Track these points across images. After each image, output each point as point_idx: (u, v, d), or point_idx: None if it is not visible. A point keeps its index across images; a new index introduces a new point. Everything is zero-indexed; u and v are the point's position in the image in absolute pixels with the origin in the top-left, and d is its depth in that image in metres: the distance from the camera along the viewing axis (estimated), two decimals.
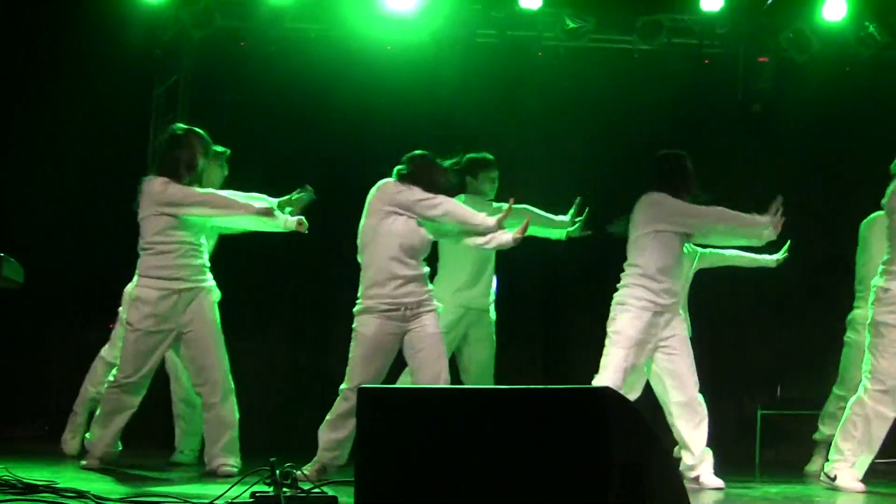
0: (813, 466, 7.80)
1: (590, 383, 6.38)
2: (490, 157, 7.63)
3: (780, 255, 7.68)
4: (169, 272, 6.43)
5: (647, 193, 6.78)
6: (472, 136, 9.26)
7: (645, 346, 6.54)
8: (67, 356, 8.83)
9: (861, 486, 6.34)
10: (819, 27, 9.07)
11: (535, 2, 8.92)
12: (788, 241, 7.57)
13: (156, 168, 6.59)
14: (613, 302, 6.72)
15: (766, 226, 6.63)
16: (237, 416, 6.58)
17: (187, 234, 6.46)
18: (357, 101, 9.13)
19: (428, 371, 6.22)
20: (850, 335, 7.71)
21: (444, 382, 6.16)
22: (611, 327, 6.65)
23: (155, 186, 6.41)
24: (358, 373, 6.19)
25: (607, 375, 6.47)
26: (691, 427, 6.48)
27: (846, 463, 6.41)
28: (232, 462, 6.46)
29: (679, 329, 6.61)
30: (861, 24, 9.00)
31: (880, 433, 6.41)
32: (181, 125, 6.77)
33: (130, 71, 9.07)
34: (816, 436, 7.87)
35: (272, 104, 9.41)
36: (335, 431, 6.27)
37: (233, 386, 6.58)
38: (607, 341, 6.63)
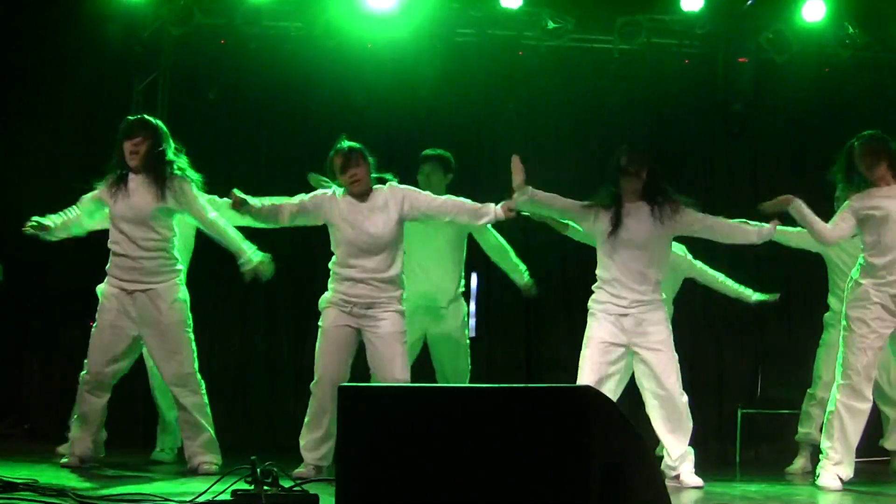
0: (794, 466, 7.85)
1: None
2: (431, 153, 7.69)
3: (763, 297, 7.80)
4: (120, 272, 6.47)
5: None
6: (453, 134, 9.28)
7: (616, 348, 6.57)
8: (47, 354, 8.81)
9: (838, 485, 6.38)
10: (799, 28, 9.10)
11: (515, 1, 8.92)
12: (777, 295, 7.85)
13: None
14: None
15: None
16: (208, 412, 6.58)
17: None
18: (337, 99, 9.12)
19: (383, 372, 6.36)
20: (825, 336, 7.80)
21: (402, 381, 6.24)
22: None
23: None
24: (318, 366, 6.37)
25: (581, 377, 6.52)
26: (669, 427, 6.49)
27: (829, 461, 6.46)
28: (210, 459, 6.46)
29: (657, 328, 6.59)
30: (840, 25, 9.04)
31: (855, 427, 6.45)
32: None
33: (110, 68, 9.06)
34: (797, 436, 7.93)
35: (252, 102, 9.42)
36: (312, 431, 6.32)
37: (201, 382, 6.57)
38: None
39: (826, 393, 7.01)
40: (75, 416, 6.56)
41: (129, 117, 6.70)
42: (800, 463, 7.85)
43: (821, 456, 6.57)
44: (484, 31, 9.15)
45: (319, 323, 6.51)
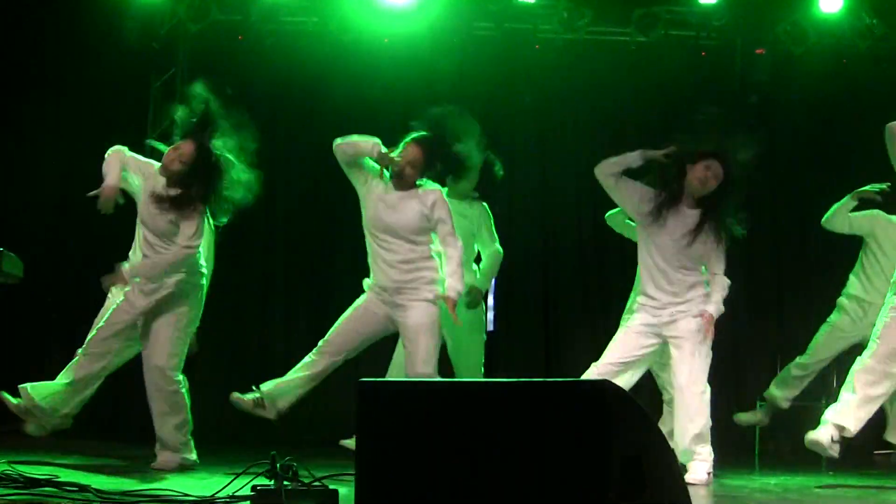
0: (747, 416, 8.26)
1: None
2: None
3: None
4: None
5: None
6: None
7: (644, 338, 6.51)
8: (66, 350, 8.83)
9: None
10: (816, 19, 9.10)
11: None
12: None
13: None
14: None
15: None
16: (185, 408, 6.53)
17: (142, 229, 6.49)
18: (354, 94, 9.15)
19: (407, 367, 6.41)
20: (835, 317, 7.83)
21: (423, 376, 6.24)
22: None
23: None
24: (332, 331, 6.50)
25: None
26: (681, 420, 6.38)
27: None
28: (186, 456, 6.50)
29: (683, 324, 6.52)
30: (858, 16, 9.04)
31: None
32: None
33: (128, 65, 9.10)
34: (766, 393, 8.21)
35: (269, 97, 9.44)
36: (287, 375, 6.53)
37: (178, 378, 6.48)
38: None
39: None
40: None
41: None
42: (757, 416, 7.98)
43: None
44: (501, 25, 9.18)
45: None
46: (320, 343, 6.51)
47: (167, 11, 9.00)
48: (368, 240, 6.50)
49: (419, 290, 6.39)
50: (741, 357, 9.46)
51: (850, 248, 7.92)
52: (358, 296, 6.55)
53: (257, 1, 8.87)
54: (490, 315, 8.37)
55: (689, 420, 6.30)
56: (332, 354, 6.49)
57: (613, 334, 6.63)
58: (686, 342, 6.38)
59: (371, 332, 6.56)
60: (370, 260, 6.50)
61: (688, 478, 6.16)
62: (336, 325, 6.53)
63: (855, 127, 9.41)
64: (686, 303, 6.41)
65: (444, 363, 7.76)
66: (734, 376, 9.34)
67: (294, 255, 9.56)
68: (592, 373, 6.38)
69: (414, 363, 6.34)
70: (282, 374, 6.55)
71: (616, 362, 6.41)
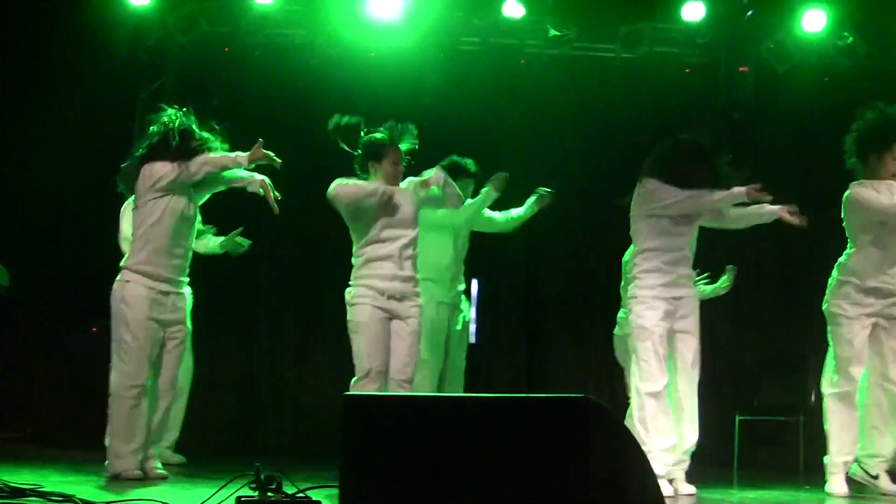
0: None
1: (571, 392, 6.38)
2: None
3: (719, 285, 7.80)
4: None
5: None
6: (456, 142, 9.32)
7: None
8: (52, 359, 8.85)
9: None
10: (799, 38, 9.17)
11: (518, 10, 9.00)
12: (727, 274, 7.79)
13: None
14: None
15: (740, 195, 6.50)
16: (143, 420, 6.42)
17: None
18: (341, 107, 9.11)
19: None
20: None
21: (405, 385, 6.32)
22: None
23: None
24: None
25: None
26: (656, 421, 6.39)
27: None
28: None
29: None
30: (840, 35, 9.09)
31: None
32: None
33: (116, 75, 9.10)
34: None
35: (256, 109, 9.45)
36: None
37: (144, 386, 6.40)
38: None
39: None
40: None
41: None
42: None
43: None
44: (487, 40, 9.22)
45: None
46: None
47: (156, 22, 9.01)
48: None
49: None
50: (721, 370, 9.52)
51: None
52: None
53: (246, 13, 8.89)
54: (472, 328, 8.41)
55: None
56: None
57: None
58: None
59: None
60: None
61: (680, 490, 6.26)
62: None
63: (837, 144, 9.48)
64: None
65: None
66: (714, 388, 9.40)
67: (281, 268, 9.58)
68: None
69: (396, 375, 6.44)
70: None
71: None
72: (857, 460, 6.50)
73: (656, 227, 6.52)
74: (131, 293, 6.29)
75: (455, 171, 7.55)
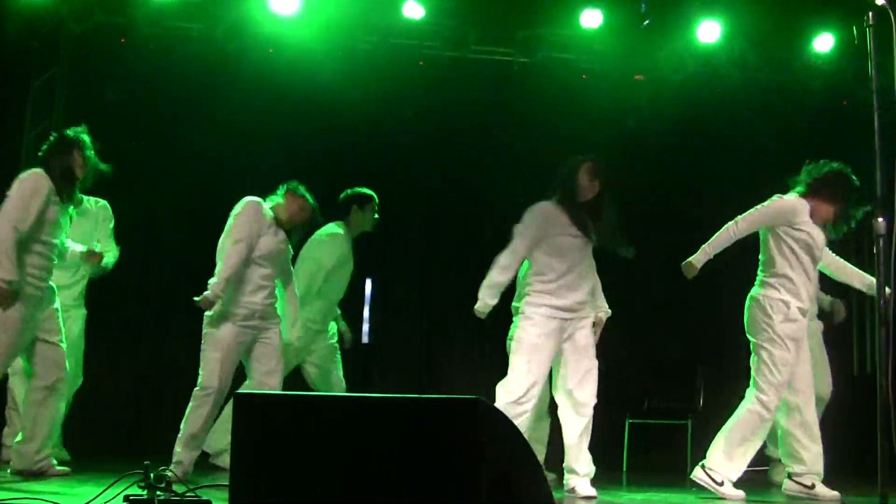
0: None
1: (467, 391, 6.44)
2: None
3: None
4: None
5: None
6: (350, 141, 9.32)
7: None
8: None
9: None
10: (695, 48, 9.33)
11: (417, 11, 9.02)
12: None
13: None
14: None
15: None
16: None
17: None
18: (239, 103, 9.08)
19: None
20: None
21: None
22: None
23: None
24: None
25: None
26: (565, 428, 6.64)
27: None
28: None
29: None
30: (733, 47, 9.27)
31: None
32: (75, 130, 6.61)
33: (8, 62, 8.90)
34: None
35: (150, 102, 9.31)
36: None
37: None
38: None
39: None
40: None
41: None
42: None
43: None
44: (386, 40, 9.20)
45: None
46: None
47: (49, 10, 8.84)
48: None
49: None
50: (612, 374, 9.63)
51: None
52: None
53: (143, 4, 8.77)
54: (365, 327, 8.42)
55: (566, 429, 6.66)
56: None
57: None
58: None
59: None
60: None
61: (582, 492, 6.37)
62: None
63: (731, 154, 9.68)
64: None
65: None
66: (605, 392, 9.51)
67: (185, 262, 9.41)
68: None
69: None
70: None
71: None
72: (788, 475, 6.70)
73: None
74: None
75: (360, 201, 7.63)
